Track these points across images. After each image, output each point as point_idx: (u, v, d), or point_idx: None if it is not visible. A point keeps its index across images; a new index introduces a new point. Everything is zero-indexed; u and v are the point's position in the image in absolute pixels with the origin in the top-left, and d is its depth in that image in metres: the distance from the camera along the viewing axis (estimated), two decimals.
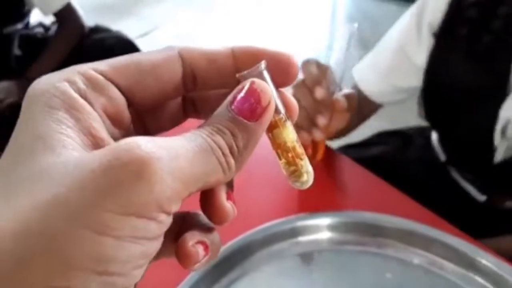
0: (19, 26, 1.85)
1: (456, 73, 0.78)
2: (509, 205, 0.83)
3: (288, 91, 0.22)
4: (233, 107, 0.19)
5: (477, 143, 0.80)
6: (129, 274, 0.16)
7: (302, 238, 0.57)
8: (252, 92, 0.19)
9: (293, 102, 0.21)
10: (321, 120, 0.63)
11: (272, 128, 0.20)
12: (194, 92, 0.22)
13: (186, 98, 0.23)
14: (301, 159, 0.20)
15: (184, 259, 0.19)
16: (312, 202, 0.63)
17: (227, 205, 0.19)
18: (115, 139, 0.19)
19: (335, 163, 0.74)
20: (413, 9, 0.84)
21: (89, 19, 1.87)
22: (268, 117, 0.19)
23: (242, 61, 0.21)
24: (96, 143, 0.18)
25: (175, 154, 0.17)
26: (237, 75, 0.20)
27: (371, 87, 0.88)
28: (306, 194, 0.67)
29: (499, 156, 0.77)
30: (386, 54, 0.88)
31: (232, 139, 0.18)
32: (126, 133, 0.21)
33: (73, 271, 0.15)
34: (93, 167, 0.15)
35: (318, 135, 0.64)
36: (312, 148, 0.69)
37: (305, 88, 0.64)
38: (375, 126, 1.10)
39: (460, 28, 0.76)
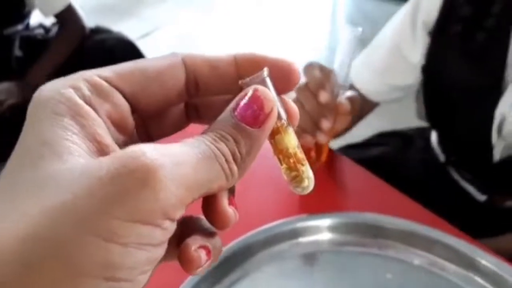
0: (20, 27, 1.85)
1: (452, 71, 0.79)
2: (510, 204, 0.83)
3: (291, 93, 0.22)
4: (236, 113, 0.19)
5: (475, 142, 0.80)
6: (135, 279, 0.16)
7: (302, 239, 0.57)
8: (255, 99, 0.19)
9: (294, 108, 0.21)
10: (325, 124, 0.63)
11: (274, 134, 0.20)
12: (197, 98, 0.22)
13: (189, 104, 0.23)
14: (302, 164, 0.20)
15: (187, 263, 0.19)
16: (312, 203, 0.63)
17: (229, 210, 0.20)
18: (119, 145, 0.19)
19: (335, 163, 0.74)
20: (407, 7, 0.84)
21: (90, 20, 1.87)
22: (271, 123, 0.19)
23: (244, 68, 0.21)
24: (101, 149, 0.18)
25: (179, 161, 0.17)
26: (240, 82, 0.20)
27: (367, 86, 0.88)
28: (307, 195, 0.67)
29: (497, 155, 0.77)
30: (381, 53, 0.88)
31: (235, 145, 0.18)
32: (130, 139, 0.21)
33: (80, 277, 0.15)
34: (101, 174, 0.15)
35: (322, 138, 0.64)
36: (315, 151, 0.69)
37: (309, 92, 0.63)
38: (375, 126, 1.10)
39: (454, 26, 0.76)
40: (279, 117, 0.20)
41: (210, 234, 0.20)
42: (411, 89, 0.90)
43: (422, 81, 0.86)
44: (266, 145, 0.22)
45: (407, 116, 1.06)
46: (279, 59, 0.21)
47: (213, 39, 2.74)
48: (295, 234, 0.57)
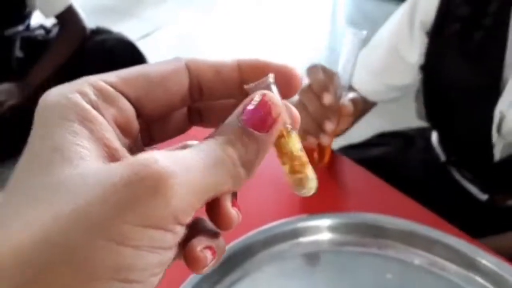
0: (21, 28, 1.86)
1: (451, 71, 0.79)
2: (511, 203, 0.83)
3: (293, 96, 0.22)
4: (244, 118, 0.19)
5: (475, 141, 0.80)
6: (147, 281, 0.17)
7: (303, 239, 0.57)
8: (263, 104, 0.19)
9: (296, 113, 0.22)
10: (329, 126, 0.63)
11: (279, 138, 0.21)
12: (200, 102, 0.22)
13: (192, 108, 0.24)
14: (305, 167, 0.21)
15: (193, 263, 0.19)
16: (313, 203, 0.63)
17: (233, 212, 0.20)
18: (125, 148, 0.20)
19: (336, 164, 0.74)
20: (404, 7, 0.84)
21: (90, 21, 1.87)
22: (278, 128, 0.20)
23: (247, 73, 0.21)
24: (111, 154, 0.18)
25: (189, 167, 0.17)
26: (245, 87, 0.21)
27: (365, 86, 0.88)
28: (308, 196, 0.67)
29: (497, 154, 0.77)
30: (378, 53, 0.88)
31: (243, 150, 0.19)
32: (134, 142, 0.21)
33: (94, 281, 0.15)
34: (114, 181, 0.16)
35: (325, 140, 0.64)
36: (318, 152, 0.69)
37: (312, 94, 0.63)
38: (375, 127, 1.11)
39: (452, 26, 0.77)
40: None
41: (214, 235, 0.21)
42: (409, 89, 0.90)
43: (421, 81, 0.86)
44: None
45: (407, 116, 1.06)
46: (281, 65, 0.21)
47: (213, 39, 2.74)
48: (295, 234, 0.57)
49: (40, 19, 1.91)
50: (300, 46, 2.64)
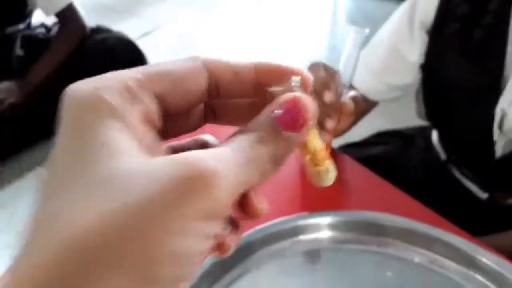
0: (21, 26, 1.86)
1: (451, 71, 0.79)
2: (511, 202, 0.83)
3: None
4: (276, 117, 0.20)
5: (476, 139, 0.80)
6: (195, 265, 0.18)
7: (303, 237, 0.57)
8: (296, 105, 0.20)
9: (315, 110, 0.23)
10: (330, 124, 0.63)
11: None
12: (216, 100, 0.23)
13: (207, 105, 0.24)
14: (325, 160, 0.23)
15: (221, 248, 0.22)
16: (313, 201, 0.63)
17: (260, 202, 0.21)
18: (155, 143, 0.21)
19: (336, 162, 0.74)
20: (404, 7, 0.85)
21: (90, 19, 1.87)
22: (307, 128, 0.21)
23: (263, 75, 0.22)
24: (148, 149, 0.19)
25: (227, 165, 0.18)
26: (270, 90, 0.22)
27: (366, 85, 0.88)
28: (308, 193, 0.67)
29: (499, 151, 0.77)
30: (379, 53, 0.88)
31: (273, 148, 0.20)
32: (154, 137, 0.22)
33: (153, 267, 0.16)
34: (169, 177, 0.17)
35: (326, 138, 0.64)
36: None
37: (313, 91, 0.63)
38: (375, 126, 1.11)
39: (451, 25, 0.77)
40: None
41: (234, 223, 0.23)
42: (410, 88, 0.90)
43: (421, 80, 0.86)
44: None
45: (407, 115, 1.06)
46: (293, 69, 0.22)
47: (213, 38, 2.74)
48: (295, 232, 0.57)
49: (41, 17, 1.91)
50: (300, 45, 2.64)
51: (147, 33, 2.74)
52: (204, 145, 0.24)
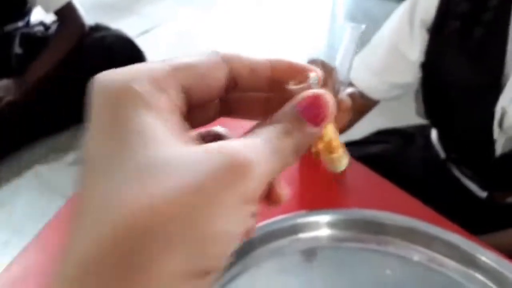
0: (20, 24, 1.85)
1: (451, 69, 0.79)
2: (511, 200, 0.83)
3: None
4: (300, 110, 0.21)
5: (476, 138, 0.80)
6: (235, 245, 0.19)
7: (302, 235, 0.57)
8: (319, 101, 0.22)
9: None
10: None
11: None
12: (232, 94, 0.24)
13: (222, 100, 0.25)
14: (339, 148, 0.25)
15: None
16: (312, 199, 0.63)
17: (283, 189, 0.23)
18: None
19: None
20: (405, 5, 0.85)
21: (89, 17, 1.87)
22: (327, 122, 0.22)
23: (278, 71, 0.24)
24: (179, 137, 0.20)
25: (257, 155, 0.20)
26: (289, 88, 0.23)
27: (367, 84, 0.88)
28: (307, 191, 0.67)
29: (499, 149, 0.77)
30: (379, 52, 0.88)
31: (297, 140, 0.21)
32: None
33: (205, 245, 0.18)
34: (206, 166, 0.18)
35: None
36: (315, 147, 0.69)
37: None
38: (375, 124, 1.10)
39: (452, 23, 0.76)
40: None
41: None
42: (410, 87, 0.90)
43: (421, 79, 0.86)
44: None
45: (406, 114, 1.06)
46: (307, 67, 0.24)
47: (213, 36, 2.73)
48: (294, 230, 0.57)
49: (39, 15, 1.91)
50: (299, 43, 2.64)
51: (146, 31, 2.74)
52: (217, 136, 0.24)
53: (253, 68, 0.23)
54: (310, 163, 0.67)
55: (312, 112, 0.21)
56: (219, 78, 0.22)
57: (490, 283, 0.51)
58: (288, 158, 0.21)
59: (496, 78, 0.73)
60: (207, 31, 2.80)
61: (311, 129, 0.21)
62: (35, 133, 1.86)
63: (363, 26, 0.61)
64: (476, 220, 0.70)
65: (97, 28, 1.91)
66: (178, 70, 0.21)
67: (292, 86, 0.23)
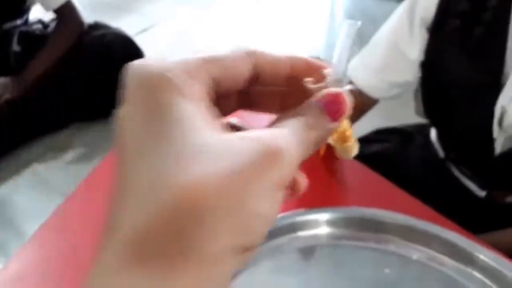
0: (19, 22, 1.85)
1: (451, 68, 0.79)
2: (509, 200, 0.83)
3: None
4: (322, 106, 0.23)
5: (476, 136, 0.80)
6: (270, 226, 0.21)
7: (301, 233, 0.57)
8: (339, 98, 0.24)
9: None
10: None
11: None
12: (252, 87, 0.25)
13: (242, 93, 0.26)
14: (351, 138, 0.28)
15: None
16: (311, 197, 0.63)
17: (302, 178, 0.24)
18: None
19: (334, 158, 0.74)
20: (404, 4, 0.85)
21: (88, 16, 1.86)
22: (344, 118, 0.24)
23: (297, 68, 0.25)
24: (213, 125, 0.21)
25: (289, 145, 0.21)
26: (309, 87, 0.25)
27: (366, 83, 0.88)
28: (306, 189, 0.67)
29: (498, 148, 0.77)
30: (379, 51, 0.88)
31: (319, 133, 0.23)
32: None
33: (248, 223, 0.19)
34: (244, 153, 0.19)
35: None
36: None
37: None
38: (374, 123, 1.10)
39: (452, 22, 0.77)
40: None
41: None
42: (410, 86, 0.90)
43: (420, 78, 0.86)
44: None
45: (405, 113, 1.06)
46: (322, 65, 0.26)
47: (211, 35, 2.73)
48: (293, 228, 0.57)
49: (38, 13, 1.91)
50: (298, 42, 2.64)
51: (145, 30, 2.73)
52: (233, 127, 0.25)
53: (275, 64, 0.24)
54: (308, 161, 0.67)
55: (333, 108, 0.23)
56: (244, 71, 0.23)
57: (488, 282, 0.51)
58: (310, 149, 0.22)
59: (496, 77, 0.73)
60: (206, 30, 2.80)
61: (331, 123, 0.23)
62: (34, 131, 1.86)
63: (359, 23, 0.61)
64: (475, 219, 0.70)
65: (96, 26, 1.90)
66: (208, 62, 0.22)
67: (311, 85, 0.25)
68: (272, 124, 0.23)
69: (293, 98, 0.25)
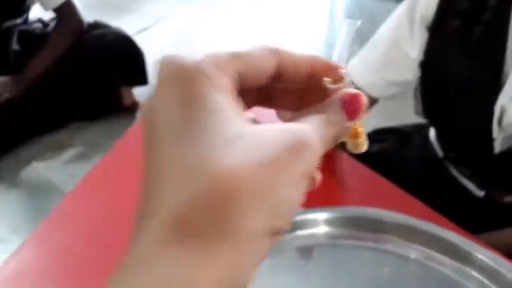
0: (18, 21, 1.85)
1: (451, 67, 0.79)
2: (508, 200, 0.83)
3: None
4: (342, 105, 0.24)
5: (475, 136, 0.80)
6: (295, 213, 0.22)
7: (300, 232, 0.57)
8: (358, 99, 0.25)
9: None
10: None
11: None
12: (275, 84, 0.26)
13: (261, 90, 0.27)
14: (362, 134, 0.28)
15: None
16: (310, 197, 0.63)
17: (317, 172, 0.25)
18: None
19: (333, 159, 0.74)
20: (405, 3, 0.85)
21: (88, 15, 1.86)
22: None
23: (316, 68, 0.26)
24: (243, 117, 0.22)
25: (313, 138, 0.22)
26: (328, 87, 0.26)
27: (365, 81, 0.88)
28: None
29: (497, 147, 0.77)
30: (379, 50, 0.88)
31: (337, 130, 0.24)
32: None
33: (278, 208, 0.20)
34: (278, 143, 0.20)
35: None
36: None
37: None
38: (372, 123, 1.10)
39: (452, 21, 0.77)
40: None
41: None
42: (408, 85, 0.90)
43: (420, 78, 0.86)
44: None
45: (404, 113, 1.06)
46: (338, 65, 0.27)
47: (211, 35, 2.73)
48: (292, 227, 0.57)
49: (38, 12, 1.91)
50: (298, 42, 2.64)
51: (144, 29, 2.73)
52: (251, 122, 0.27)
53: (297, 62, 0.25)
54: None
55: (351, 108, 0.24)
56: (269, 68, 0.24)
57: (486, 281, 0.52)
58: (328, 145, 0.23)
59: (495, 77, 0.73)
60: (206, 30, 2.80)
61: (348, 122, 0.24)
62: (33, 130, 1.86)
63: (359, 22, 0.61)
64: (473, 219, 0.70)
65: (95, 25, 1.90)
66: (235, 57, 0.23)
67: (330, 85, 0.26)
68: (293, 120, 0.24)
69: (310, 96, 0.26)
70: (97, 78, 1.85)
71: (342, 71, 0.26)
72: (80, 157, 1.84)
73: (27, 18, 1.89)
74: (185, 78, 0.21)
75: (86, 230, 0.67)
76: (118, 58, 1.86)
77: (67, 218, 0.70)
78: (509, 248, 0.60)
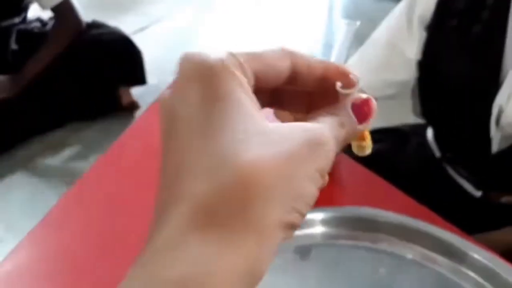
0: (17, 20, 1.84)
1: (449, 66, 0.79)
2: (505, 200, 0.83)
3: None
4: (354, 109, 0.25)
5: (473, 135, 0.80)
6: (310, 207, 0.22)
7: (296, 232, 0.57)
8: (368, 104, 0.26)
9: None
10: None
11: None
12: (288, 86, 0.26)
13: (274, 92, 0.27)
14: (368, 137, 0.29)
15: None
16: None
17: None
18: None
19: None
20: (403, 3, 0.85)
21: (87, 15, 1.86)
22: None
23: (329, 72, 0.27)
24: (262, 114, 0.22)
25: (329, 138, 0.23)
26: (341, 91, 0.26)
27: (363, 81, 0.88)
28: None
29: (495, 147, 0.77)
30: (377, 49, 0.88)
31: (348, 132, 0.25)
32: None
33: (295, 201, 0.21)
34: (296, 140, 0.21)
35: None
36: None
37: None
38: (372, 123, 1.10)
39: (450, 20, 0.77)
40: None
41: None
42: (405, 86, 0.90)
43: (418, 77, 0.86)
44: None
45: (401, 114, 1.06)
46: (349, 70, 0.27)
47: (210, 35, 2.73)
48: None
49: (36, 11, 1.90)
50: (297, 42, 2.64)
51: (143, 29, 2.73)
52: None
53: (311, 65, 0.26)
54: None
55: (362, 112, 0.25)
56: (284, 69, 0.25)
57: (482, 281, 0.52)
58: (340, 146, 0.24)
59: (494, 76, 0.73)
60: (204, 30, 2.79)
61: (359, 125, 0.25)
62: (31, 130, 1.86)
63: (358, 23, 0.61)
64: (471, 219, 0.70)
65: (94, 25, 1.90)
66: (252, 57, 0.23)
67: (342, 90, 0.27)
68: (302, 121, 0.24)
69: (320, 99, 0.26)
70: (95, 78, 1.84)
71: (354, 76, 0.27)
72: (78, 157, 1.84)
73: (25, 17, 1.89)
74: (209, 73, 0.22)
75: (83, 230, 0.67)
76: (116, 58, 1.86)
77: (64, 217, 0.69)
78: (506, 249, 0.60)
